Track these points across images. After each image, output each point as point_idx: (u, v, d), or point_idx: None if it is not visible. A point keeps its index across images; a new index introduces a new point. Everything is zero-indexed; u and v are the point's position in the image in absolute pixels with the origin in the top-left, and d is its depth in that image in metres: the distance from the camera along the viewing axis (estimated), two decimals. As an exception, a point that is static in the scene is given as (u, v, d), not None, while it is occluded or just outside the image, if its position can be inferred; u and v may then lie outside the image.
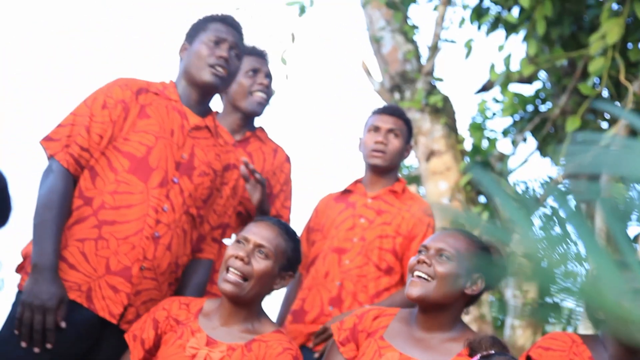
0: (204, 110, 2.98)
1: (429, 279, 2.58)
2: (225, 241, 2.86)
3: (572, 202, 1.09)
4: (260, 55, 3.66)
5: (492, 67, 6.17)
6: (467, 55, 6.18)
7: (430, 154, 6.52)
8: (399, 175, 3.73)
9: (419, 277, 2.59)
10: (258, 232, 2.70)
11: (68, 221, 2.75)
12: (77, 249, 2.72)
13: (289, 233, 2.76)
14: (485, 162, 6.76)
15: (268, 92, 3.63)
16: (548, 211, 1.09)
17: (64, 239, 2.73)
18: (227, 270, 2.65)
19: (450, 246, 2.60)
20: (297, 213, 3.91)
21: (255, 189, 3.34)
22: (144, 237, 2.75)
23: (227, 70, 2.92)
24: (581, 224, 1.06)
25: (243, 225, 3.17)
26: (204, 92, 2.95)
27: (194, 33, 2.98)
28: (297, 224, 3.82)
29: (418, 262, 2.61)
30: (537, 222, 1.09)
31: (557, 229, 1.07)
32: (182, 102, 2.93)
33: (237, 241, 2.70)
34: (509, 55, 6.07)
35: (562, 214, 1.08)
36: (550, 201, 1.09)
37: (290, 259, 2.73)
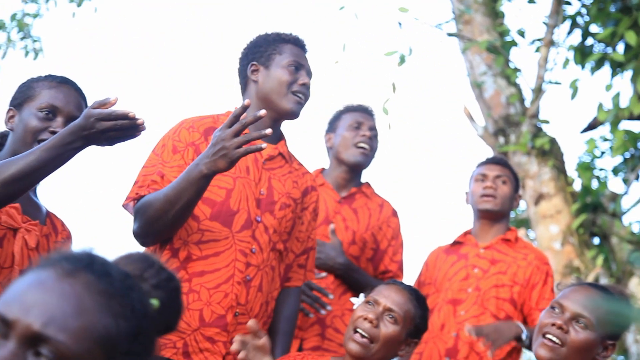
0: (275, 136, 2.89)
1: (561, 345, 2.42)
2: (354, 300, 2.79)
3: None
4: (364, 111, 3.68)
5: (600, 106, 6.03)
6: (573, 96, 6.06)
7: (539, 197, 6.39)
8: (509, 224, 3.67)
9: (551, 340, 2.43)
10: (389, 296, 2.65)
11: None
12: None
13: (419, 300, 2.71)
14: (596, 203, 6.57)
15: (371, 144, 3.62)
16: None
17: None
18: (355, 330, 2.62)
19: (589, 312, 2.42)
20: (410, 267, 3.87)
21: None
22: (235, 283, 2.68)
23: (305, 98, 2.83)
24: None
25: None
26: (280, 119, 2.85)
27: (266, 54, 2.88)
28: (408, 278, 3.77)
29: (553, 324, 2.43)
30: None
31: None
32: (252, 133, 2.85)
33: (367, 302, 2.66)
34: (618, 94, 5.92)
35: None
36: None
37: (417, 326, 2.68)
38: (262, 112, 2.46)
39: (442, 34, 6.63)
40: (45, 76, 2.57)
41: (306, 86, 2.82)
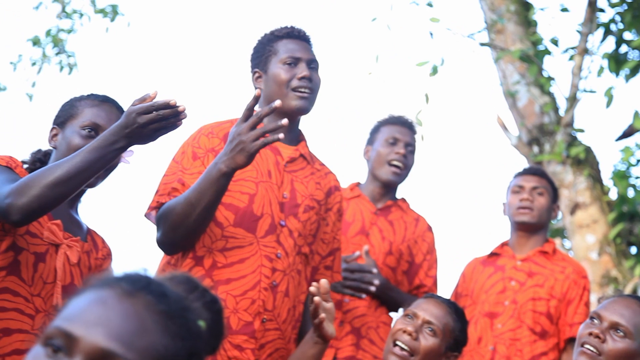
0: (295, 138, 2.84)
1: (599, 355, 2.43)
2: (394, 315, 2.78)
3: None
4: (403, 124, 3.66)
5: (636, 113, 5.97)
6: (608, 104, 6.01)
7: (575, 207, 6.33)
8: (547, 236, 3.64)
9: (588, 349, 2.44)
10: (427, 309, 2.65)
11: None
12: None
13: (458, 313, 2.70)
14: (633, 212, 6.49)
15: (406, 161, 3.59)
16: None
17: None
18: (394, 343, 2.61)
19: (627, 321, 2.43)
20: (445, 281, 3.87)
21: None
22: (262, 289, 2.65)
23: (311, 89, 2.76)
24: None
25: None
26: (293, 119, 2.79)
27: (264, 58, 2.84)
28: (443, 291, 3.76)
29: (590, 334, 2.44)
30: None
31: None
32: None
33: (406, 315, 2.66)
34: (653, 101, 5.87)
35: None
36: None
37: (457, 339, 2.67)
38: (277, 102, 2.42)
39: (475, 44, 6.61)
40: (88, 95, 2.59)
41: (307, 78, 2.75)
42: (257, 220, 2.67)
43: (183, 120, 2.29)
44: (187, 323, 1.23)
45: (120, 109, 2.59)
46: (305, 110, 2.76)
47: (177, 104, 2.26)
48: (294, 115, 2.77)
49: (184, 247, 2.64)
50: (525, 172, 3.63)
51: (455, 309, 2.69)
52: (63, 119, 2.55)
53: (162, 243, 2.60)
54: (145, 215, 2.69)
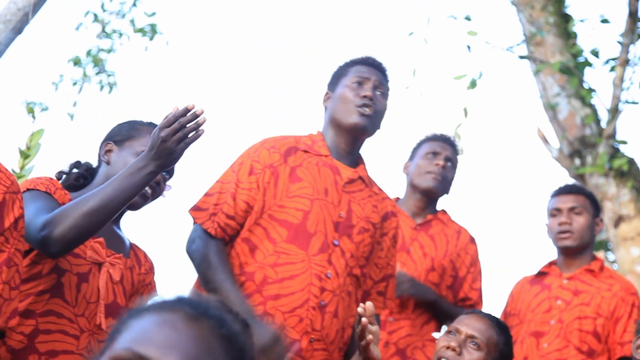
0: (354, 160, 2.87)
1: None
2: (436, 335, 2.76)
3: None
4: (443, 140, 3.66)
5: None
6: (651, 115, 5.93)
7: (619, 220, 6.24)
8: (594, 253, 3.58)
9: None
10: (469, 324, 2.64)
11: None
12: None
13: (501, 326, 2.68)
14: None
15: (444, 173, 3.59)
16: None
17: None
18: None
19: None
20: (489, 295, 3.82)
21: None
22: (310, 308, 2.65)
23: (373, 109, 2.80)
24: None
25: None
26: (353, 137, 2.82)
27: (335, 80, 2.91)
28: (489, 307, 3.72)
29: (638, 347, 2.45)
30: None
31: None
32: (332, 155, 2.83)
33: (449, 332, 2.65)
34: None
35: None
36: None
37: (502, 352, 2.64)
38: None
39: (514, 57, 6.56)
40: (148, 122, 2.62)
41: (369, 97, 2.79)
42: (310, 237, 2.69)
43: (204, 126, 2.28)
44: (243, 347, 1.24)
45: None
46: (364, 129, 2.79)
47: (195, 108, 2.25)
48: (354, 133, 2.80)
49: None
50: (561, 192, 3.57)
51: (497, 323, 2.67)
52: (122, 137, 2.57)
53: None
54: (189, 213, 2.74)
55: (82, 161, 2.65)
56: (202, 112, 2.26)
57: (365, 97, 2.78)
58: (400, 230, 3.58)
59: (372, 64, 2.89)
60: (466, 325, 2.63)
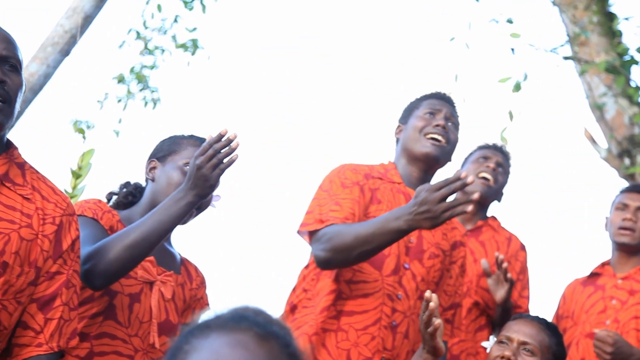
0: None
1: None
2: (485, 344, 2.74)
3: None
4: (494, 148, 3.66)
5: None
6: (702, 112, 5.83)
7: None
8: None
9: None
10: (520, 330, 2.62)
11: (325, 300, 2.71)
12: (319, 340, 2.70)
13: (550, 328, 2.67)
14: None
15: (495, 176, 3.59)
16: None
17: (315, 322, 2.70)
18: None
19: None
20: (540, 301, 3.78)
21: (498, 286, 3.27)
22: (382, 327, 2.71)
23: (446, 139, 2.86)
24: None
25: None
26: (425, 165, 2.88)
27: (407, 113, 2.98)
28: (542, 312, 3.68)
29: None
30: None
31: None
32: (405, 183, 2.89)
33: (500, 342, 2.64)
34: None
35: None
36: None
37: (555, 354, 2.63)
38: (470, 178, 2.50)
39: (558, 58, 6.50)
40: (189, 135, 2.64)
41: (441, 127, 2.86)
42: (383, 258, 2.75)
43: (237, 152, 2.29)
44: None
45: None
46: (436, 158, 2.85)
47: (227, 132, 2.28)
48: (426, 162, 2.86)
49: (339, 267, 2.70)
50: (632, 190, 3.54)
51: (547, 325, 2.66)
52: (164, 153, 2.60)
53: (321, 260, 2.67)
54: (299, 232, 2.79)
55: (132, 181, 2.68)
56: (235, 137, 2.28)
57: (437, 126, 2.85)
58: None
59: (443, 98, 2.97)
60: (516, 332, 2.61)
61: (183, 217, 2.33)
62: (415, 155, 2.87)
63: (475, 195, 2.45)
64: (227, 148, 2.28)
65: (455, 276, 2.92)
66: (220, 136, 2.27)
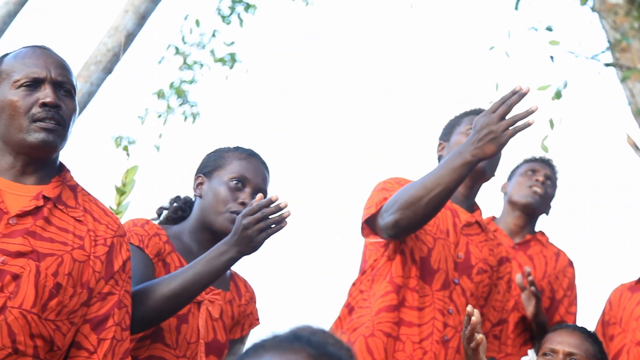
0: (471, 205, 2.95)
1: None
2: (525, 359, 2.74)
3: None
4: (541, 160, 3.65)
5: None
6: None
7: None
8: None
9: None
10: (564, 341, 2.61)
11: (380, 300, 2.71)
12: (382, 342, 2.70)
13: (592, 336, 2.66)
14: None
15: (545, 189, 3.57)
16: None
17: (371, 323, 2.69)
18: None
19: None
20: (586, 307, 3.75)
21: (529, 301, 3.26)
22: (434, 341, 2.72)
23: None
24: None
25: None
26: (472, 181, 2.90)
27: (449, 130, 2.99)
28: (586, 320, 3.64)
29: None
30: None
31: None
32: (451, 199, 2.88)
33: (544, 354, 2.63)
34: None
35: None
36: None
37: None
38: (526, 87, 2.44)
39: (599, 65, 6.44)
40: (235, 147, 2.62)
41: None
42: (433, 273, 2.75)
43: (287, 219, 2.27)
44: None
45: (265, 165, 2.63)
46: (482, 171, 2.85)
47: (279, 200, 2.26)
48: (473, 178, 2.86)
49: (407, 229, 2.64)
50: None
51: (588, 333, 2.65)
52: (210, 168, 2.58)
53: (388, 224, 2.63)
54: (363, 234, 2.78)
55: (181, 195, 2.69)
56: (286, 206, 2.27)
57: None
58: None
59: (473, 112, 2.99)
60: (560, 343, 2.59)
61: (224, 271, 2.32)
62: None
63: (534, 106, 2.40)
64: (276, 215, 2.26)
65: (503, 292, 2.93)
66: (271, 201, 2.25)
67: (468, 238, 2.87)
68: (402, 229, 2.63)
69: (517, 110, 2.48)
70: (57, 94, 2.11)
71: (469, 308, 2.39)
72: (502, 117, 2.42)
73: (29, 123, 2.08)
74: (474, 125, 2.48)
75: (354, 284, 2.86)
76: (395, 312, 2.69)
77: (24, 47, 2.17)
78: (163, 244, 2.47)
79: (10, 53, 2.17)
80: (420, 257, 2.75)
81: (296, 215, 2.40)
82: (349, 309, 2.81)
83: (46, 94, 2.09)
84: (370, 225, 2.76)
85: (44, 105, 2.08)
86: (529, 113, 2.40)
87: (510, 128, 2.42)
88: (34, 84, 2.10)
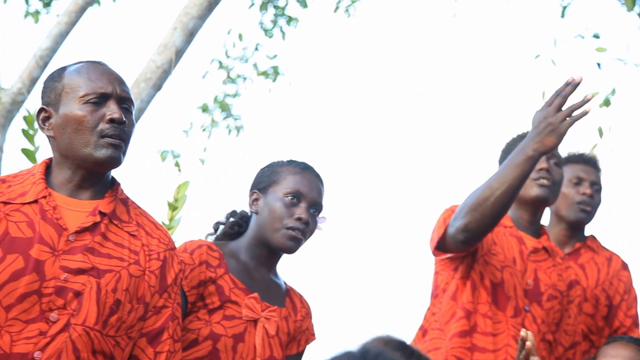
0: (537, 230, 2.95)
1: None
2: None
3: None
4: (585, 162, 3.53)
5: None
6: None
7: None
8: None
9: None
10: (618, 354, 2.60)
11: (453, 325, 2.73)
12: None
13: None
14: None
15: (592, 202, 3.47)
16: None
17: (445, 349, 2.71)
18: None
19: None
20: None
21: None
22: None
23: (551, 180, 2.87)
24: None
25: None
26: (535, 208, 2.92)
27: (504, 155, 2.99)
28: None
29: None
30: None
31: None
32: (516, 226, 2.90)
33: None
34: None
35: None
36: None
37: None
38: (579, 77, 2.48)
39: (648, 71, 6.36)
40: (288, 161, 2.60)
41: (546, 169, 2.92)
42: (506, 301, 2.78)
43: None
44: None
45: (319, 177, 2.61)
46: (545, 199, 2.91)
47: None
48: (536, 205, 2.92)
49: (477, 232, 2.67)
50: None
51: None
52: (265, 184, 2.56)
53: (457, 230, 2.67)
54: (434, 253, 2.82)
55: (237, 210, 2.68)
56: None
57: (542, 170, 2.89)
58: None
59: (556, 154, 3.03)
60: (614, 356, 2.57)
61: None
62: (525, 200, 2.91)
63: (589, 95, 2.44)
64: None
65: (574, 315, 2.93)
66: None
67: (536, 264, 2.88)
68: (472, 233, 2.64)
69: (572, 101, 2.52)
70: (121, 110, 2.13)
71: (523, 332, 2.37)
72: (559, 109, 2.47)
73: (97, 139, 2.09)
74: (533, 121, 2.52)
75: (428, 309, 2.89)
76: (467, 338, 2.70)
77: (81, 62, 2.18)
78: (213, 269, 2.45)
79: (68, 67, 2.18)
80: (492, 283, 2.77)
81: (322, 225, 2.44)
82: (423, 331, 2.85)
83: (113, 110, 2.11)
84: (441, 246, 2.78)
85: (111, 121, 2.10)
86: (585, 102, 2.45)
87: (567, 118, 2.45)
88: (100, 100, 2.12)
